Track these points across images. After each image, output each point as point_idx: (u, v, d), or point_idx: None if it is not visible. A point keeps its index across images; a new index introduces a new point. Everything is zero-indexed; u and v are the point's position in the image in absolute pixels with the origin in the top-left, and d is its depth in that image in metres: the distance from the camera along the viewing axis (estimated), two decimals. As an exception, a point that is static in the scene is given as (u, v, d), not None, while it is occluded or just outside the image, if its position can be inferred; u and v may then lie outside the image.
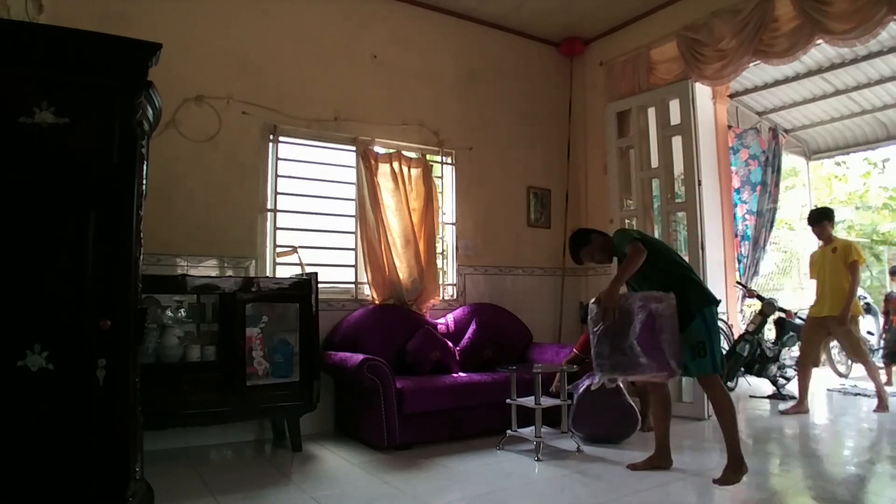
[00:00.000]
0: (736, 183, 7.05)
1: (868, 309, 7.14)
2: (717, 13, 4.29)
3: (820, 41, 3.94)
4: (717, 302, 2.99)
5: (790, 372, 5.33)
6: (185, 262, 3.79)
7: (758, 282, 7.43)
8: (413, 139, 4.74)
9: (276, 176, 4.17)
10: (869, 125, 7.50)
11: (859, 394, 5.36)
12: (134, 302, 2.13)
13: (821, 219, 4.70)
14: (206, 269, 3.84)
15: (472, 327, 4.43)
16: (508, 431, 3.58)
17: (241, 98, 4.02)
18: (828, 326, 4.64)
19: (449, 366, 4.08)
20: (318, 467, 3.29)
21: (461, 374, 4.03)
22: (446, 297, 4.85)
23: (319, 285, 3.80)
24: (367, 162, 4.37)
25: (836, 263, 4.54)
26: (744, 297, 6.47)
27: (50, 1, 3.18)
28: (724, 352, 5.20)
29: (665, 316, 2.80)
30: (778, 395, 5.18)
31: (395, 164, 4.47)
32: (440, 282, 4.73)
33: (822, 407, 5.00)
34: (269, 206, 4.13)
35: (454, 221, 4.95)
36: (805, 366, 4.70)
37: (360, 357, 3.52)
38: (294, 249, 4.06)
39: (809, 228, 4.87)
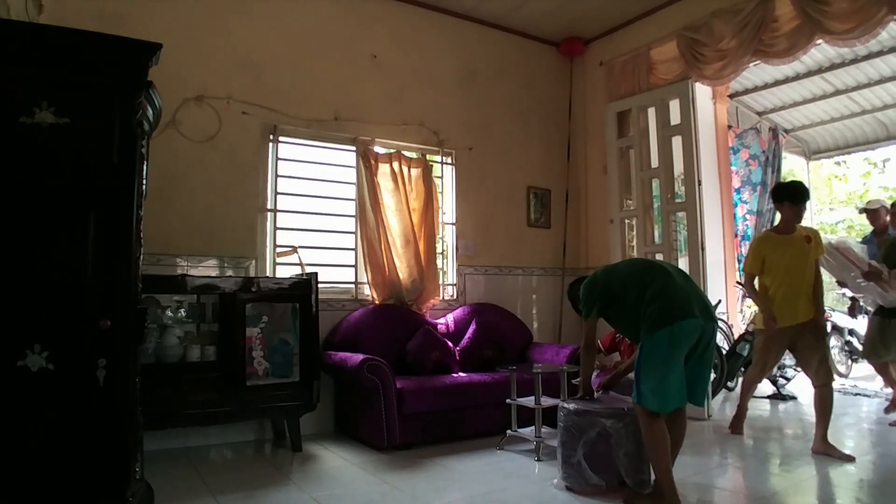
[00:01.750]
0: (736, 183, 7.06)
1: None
2: (717, 13, 4.29)
3: (820, 41, 3.94)
4: (672, 322, 2.47)
5: (790, 372, 5.32)
6: (185, 262, 3.79)
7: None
8: (413, 139, 4.74)
9: (276, 176, 4.17)
10: (869, 125, 7.50)
11: (859, 394, 5.37)
12: (134, 302, 2.13)
13: (807, 197, 3.60)
14: (206, 269, 3.84)
15: (472, 327, 4.43)
16: (508, 431, 3.58)
17: (241, 98, 4.02)
18: (792, 336, 3.57)
19: (449, 366, 4.08)
20: (318, 467, 3.29)
21: (461, 374, 4.03)
22: (446, 297, 4.85)
23: (319, 285, 3.81)
24: (367, 162, 4.37)
25: (814, 256, 3.58)
26: (744, 297, 6.45)
27: (50, 1, 3.18)
28: (725, 352, 5.23)
29: (622, 434, 2.62)
30: (778, 395, 5.18)
31: (395, 164, 4.47)
32: (440, 282, 4.73)
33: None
34: (269, 206, 4.13)
35: (454, 221, 4.95)
36: (753, 384, 3.92)
37: (360, 357, 3.52)
38: (294, 249, 4.06)
39: (775, 205, 3.81)
